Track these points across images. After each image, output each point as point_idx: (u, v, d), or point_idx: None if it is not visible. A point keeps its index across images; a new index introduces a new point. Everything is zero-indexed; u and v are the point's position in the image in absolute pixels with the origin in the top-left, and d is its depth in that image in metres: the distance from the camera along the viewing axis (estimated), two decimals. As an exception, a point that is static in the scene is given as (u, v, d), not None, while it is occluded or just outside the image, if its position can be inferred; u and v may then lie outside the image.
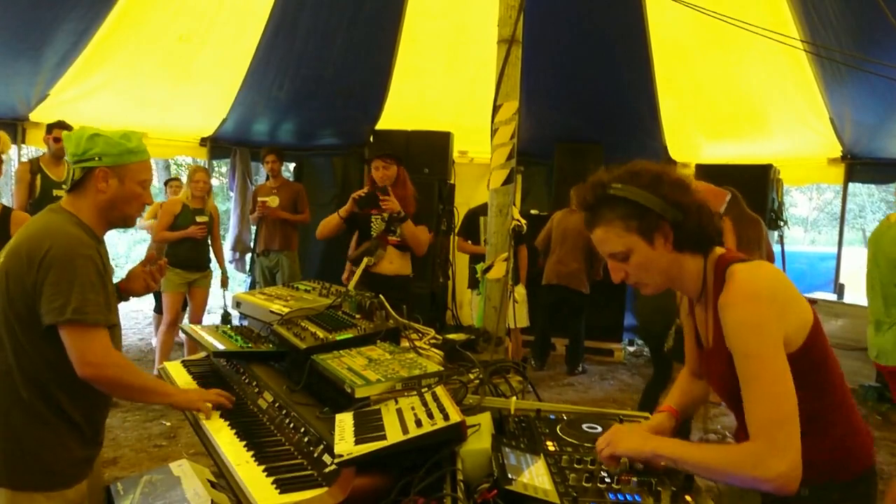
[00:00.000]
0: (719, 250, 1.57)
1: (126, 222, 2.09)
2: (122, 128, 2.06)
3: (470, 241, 5.85)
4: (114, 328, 1.97)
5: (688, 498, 1.37)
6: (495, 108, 2.47)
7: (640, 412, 2.06)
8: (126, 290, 2.24)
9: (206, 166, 8.14)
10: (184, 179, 6.43)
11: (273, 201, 6.24)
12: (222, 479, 2.59)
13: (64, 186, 5.21)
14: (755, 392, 1.41)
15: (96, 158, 1.94)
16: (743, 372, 1.44)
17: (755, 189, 5.97)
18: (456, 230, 6.09)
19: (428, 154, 6.60)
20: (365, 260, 3.61)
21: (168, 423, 4.69)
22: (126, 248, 14.04)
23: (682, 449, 1.49)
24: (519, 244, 5.87)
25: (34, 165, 5.23)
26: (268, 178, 6.59)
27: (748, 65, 6.15)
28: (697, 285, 1.58)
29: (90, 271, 1.85)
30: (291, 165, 8.22)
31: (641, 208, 1.48)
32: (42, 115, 5.82)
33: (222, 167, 8.94)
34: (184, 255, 5.45)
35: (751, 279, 1.45)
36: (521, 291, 5.95)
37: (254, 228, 6.90)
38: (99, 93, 6.10)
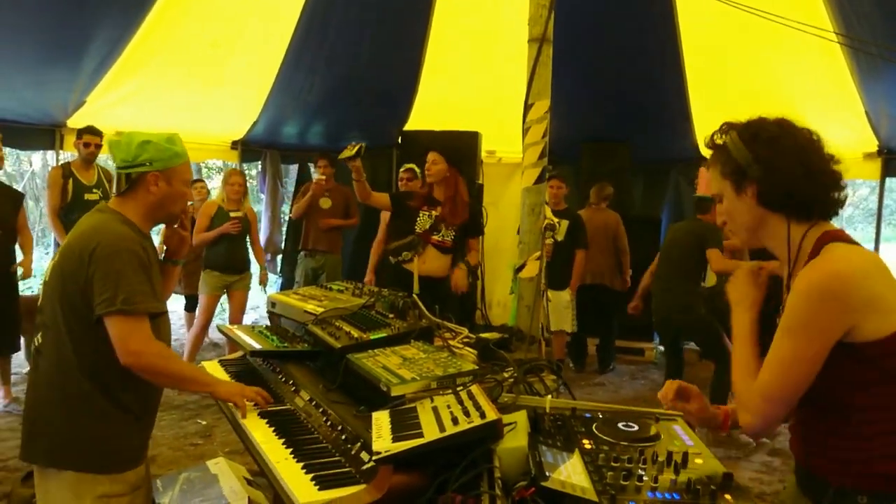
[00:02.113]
0: (828, 226, 1.53)
1: (171, 219, 2.24)
2: (163, 131, 2.16)
3: None
4: (162, 317, 2.09)
5: (727, 497, 1.36)
6: (527, 107, 2.47)
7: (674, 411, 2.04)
8: (170, 254, 2.35)
9: (238, 169, 8.26)
10: (211, 184, 6.52)
11: (325, 203, 6.29)
12: (259, 476, 2.63)
13: (95, 191, 5.30)
14: (772, 363, 1.46)
15: (147, 164, 2.07)
16: (774, 341, 1.47)
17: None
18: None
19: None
20: (403, 254, 3.79)
21: (204, 422, 4.76)
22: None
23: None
24: (578, 247, 5.89)
25: (66, 170, 5.31)
26: (303, 181, 6.66)
27: (780, 58, 6.02)
28: (783, 251, 1.55)
29: (134, 263, 1.96)
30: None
31: (733, 158, 1.56)
32: (80, 121, 5.92)
33: (252, 170, 9.06)
34: (221, 257, 5.52)
35: (841, 260, 1.43)
36: (565, 297, 5.92)
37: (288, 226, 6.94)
38: (133, 98, 6.20)
